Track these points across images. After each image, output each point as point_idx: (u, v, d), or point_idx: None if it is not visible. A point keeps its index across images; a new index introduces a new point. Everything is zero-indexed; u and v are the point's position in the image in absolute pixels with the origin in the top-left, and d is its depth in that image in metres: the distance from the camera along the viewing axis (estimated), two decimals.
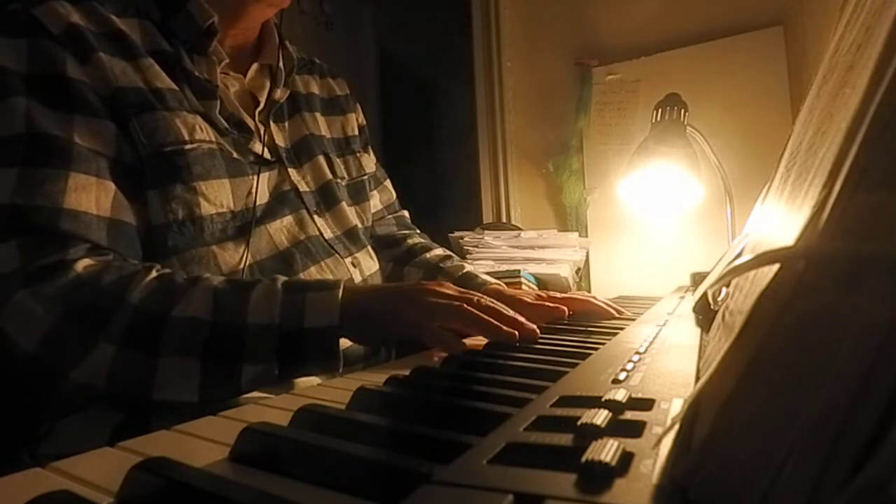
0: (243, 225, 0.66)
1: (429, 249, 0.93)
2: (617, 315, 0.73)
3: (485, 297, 0.55)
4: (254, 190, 0.67)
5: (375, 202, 0.95)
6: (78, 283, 0.51)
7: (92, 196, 0.55)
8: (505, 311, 0.54)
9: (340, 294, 0.52)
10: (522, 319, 0.53)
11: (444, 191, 2.02)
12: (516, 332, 0.50)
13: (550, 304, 0.72)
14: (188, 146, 0.61)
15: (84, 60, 0.58)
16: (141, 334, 0.50)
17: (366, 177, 0.90)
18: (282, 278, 0.55)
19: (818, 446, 0.13)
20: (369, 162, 0.93)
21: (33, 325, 0.50)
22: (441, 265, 0.89)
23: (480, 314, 0.51)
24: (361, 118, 0.96)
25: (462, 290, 0.56)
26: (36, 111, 0.54)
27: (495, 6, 1.61)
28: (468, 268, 0.88)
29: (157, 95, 0.61)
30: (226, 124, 0.68)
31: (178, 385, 0.50)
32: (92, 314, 0.51)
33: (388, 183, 1.00)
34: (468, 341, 0.52)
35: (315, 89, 0.88)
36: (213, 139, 0.65)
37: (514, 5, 1.61)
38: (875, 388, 0.12)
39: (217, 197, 0.63)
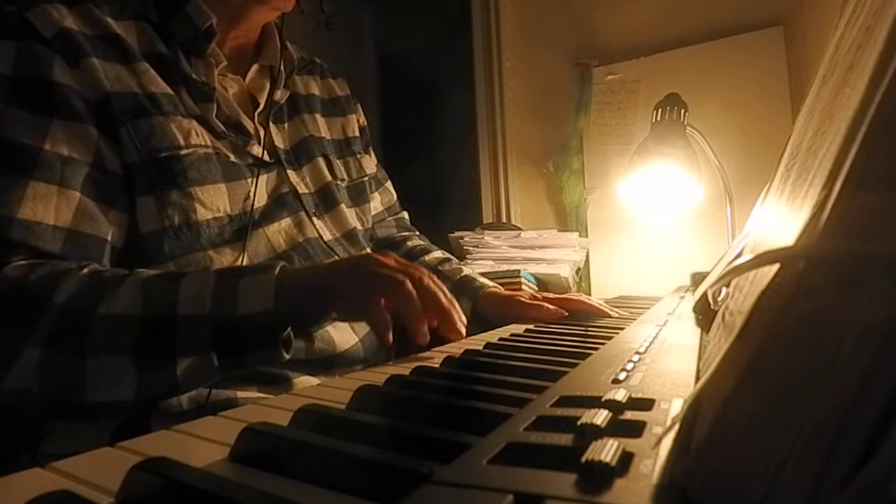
0: (240, 229, 0.65)
1: (428, 252, 0.93)
2: (611, 314, 0.74)
3: (431, 276, 0.53)
4: (251, 193, 0.67)
5: (376, 204, 0.95)
6: (4, 287, 0.49)
7: (51, 205, 0.53)
8: (442, 298, 0.53)
9: (276, 275, 0.50)
10: (456, 308, 0.53)
11: (444, 191, 2.02)
12: (428, 336, 0.49)
13: (546, 304, 0.72)
14: (184, 151, 0.61)
15: (74, 64, 0.57)
16: (66, 335, 0.48)
17: (366, 178, 0.90)
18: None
19: (818, 446, 0.13)
20: (370, 163, 0.93)
21: None
22: (439, 268, 0.89)
23: (414, 296, 0.49)
24: (362, 119, 0.95)
25: (408, 263, 0.54)
26: (10, 116, 0.54)
27: (495, 6, 1.61)
28: (466, 271, 0.88)
29: (151, 100, 0.61)
30: (223, 127, 0.67)
31: (110, 385, 0.48)
32: (16, 318, 0.49)
33: (388, 184, 1.00)
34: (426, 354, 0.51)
35: (315, 90, 0.87)
36: (209, 143, 0.64)
37: (514, 5, 1.61)
38: (875, 388, 0.12)
39: (213, 202, 0.63)
